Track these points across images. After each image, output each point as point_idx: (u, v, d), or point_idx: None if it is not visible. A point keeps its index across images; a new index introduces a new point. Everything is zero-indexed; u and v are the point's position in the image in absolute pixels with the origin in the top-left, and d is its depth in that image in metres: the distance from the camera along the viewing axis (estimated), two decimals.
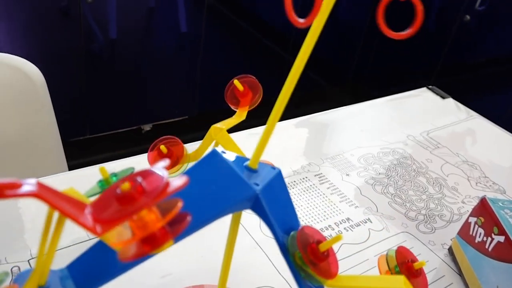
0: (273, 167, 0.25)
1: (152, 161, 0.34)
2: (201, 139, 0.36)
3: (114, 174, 0.24)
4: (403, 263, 0.25)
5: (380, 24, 0.18)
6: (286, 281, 0.40)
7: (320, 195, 0.51)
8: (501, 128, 0.69)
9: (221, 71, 1.77)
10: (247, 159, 0.25)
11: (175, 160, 0.35)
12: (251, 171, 0.24)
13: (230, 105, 0.35)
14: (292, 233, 0.23)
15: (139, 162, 0.50)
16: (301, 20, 0.19)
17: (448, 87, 1.62)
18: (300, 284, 0.22)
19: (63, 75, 1.47)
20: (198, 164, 0.24)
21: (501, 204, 0.43)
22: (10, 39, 1.35)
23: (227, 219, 0.25)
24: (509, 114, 1.50)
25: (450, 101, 0.75)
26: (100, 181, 0.25)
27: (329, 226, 0.47)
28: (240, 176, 0.23)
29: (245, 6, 1.78)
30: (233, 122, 0.35)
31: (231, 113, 0.36)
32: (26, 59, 0.61)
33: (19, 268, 0.38)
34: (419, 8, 0.17)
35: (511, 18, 1.42)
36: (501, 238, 0.39)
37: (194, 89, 1.74)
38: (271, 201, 0.24)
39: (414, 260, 0.25)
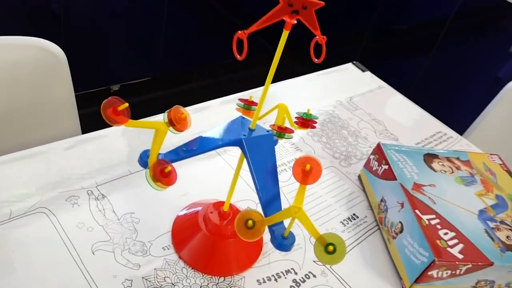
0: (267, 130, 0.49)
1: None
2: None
3: None
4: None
5: (311, 54, 0.41)
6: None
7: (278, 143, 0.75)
8: (401, 94, 0.97)
9: (183, 35, 1.92)
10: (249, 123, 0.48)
11: None
12: (253, 130, 0.48)
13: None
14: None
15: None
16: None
17: (377, 50, 1.89)
18: None
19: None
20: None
21: (388, 147, 0.70)
22: None
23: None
24: (418, 74, 1.82)
25: (368, 73, 1.01)
26: None
27: (283, 164, 0.72)
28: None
29: None
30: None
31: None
32: None
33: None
34: (324, 46, 0.40)
35: None
36: (386, 167, 0.66)
37: (157, 51, 1.88)
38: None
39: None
